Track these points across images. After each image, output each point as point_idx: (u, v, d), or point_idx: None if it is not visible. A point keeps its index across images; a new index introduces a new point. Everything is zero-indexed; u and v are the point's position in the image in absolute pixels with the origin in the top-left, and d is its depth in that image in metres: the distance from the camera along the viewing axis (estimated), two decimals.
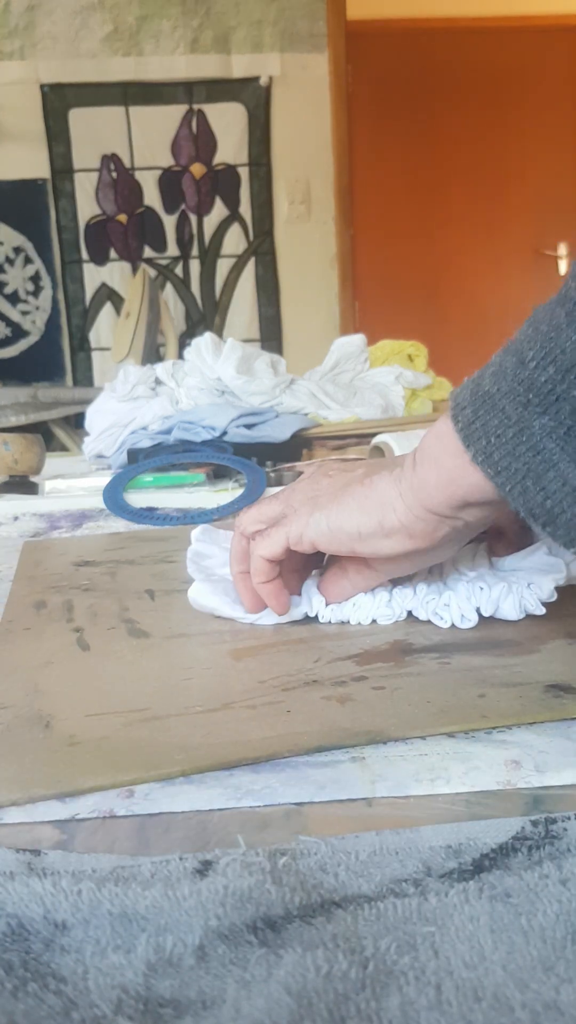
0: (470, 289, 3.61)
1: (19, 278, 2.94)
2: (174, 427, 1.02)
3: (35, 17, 2.78)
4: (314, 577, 0.50)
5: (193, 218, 2.95)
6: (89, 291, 2.97)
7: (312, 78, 2.87)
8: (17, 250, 2.92)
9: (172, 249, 2.97)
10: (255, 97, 2.88)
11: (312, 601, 0.49)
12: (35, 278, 2.94)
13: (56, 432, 2.52)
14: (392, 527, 0.43)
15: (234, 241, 2.97)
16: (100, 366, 2.99)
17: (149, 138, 2.89)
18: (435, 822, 0.30)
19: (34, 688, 0.42)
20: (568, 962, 0.23)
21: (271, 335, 3.02)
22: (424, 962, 0.24)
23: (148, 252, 2.97)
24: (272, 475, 0.92)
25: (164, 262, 2.98)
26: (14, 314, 2.96)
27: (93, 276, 2.96)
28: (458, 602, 0.47)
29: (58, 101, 2.85)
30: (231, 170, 2.93)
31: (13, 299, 2.95)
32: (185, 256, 2.98)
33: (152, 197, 2.94)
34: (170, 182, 2.93)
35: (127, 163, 2.91)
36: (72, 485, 0.94)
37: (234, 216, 2.96)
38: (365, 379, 1.15)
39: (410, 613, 0.49)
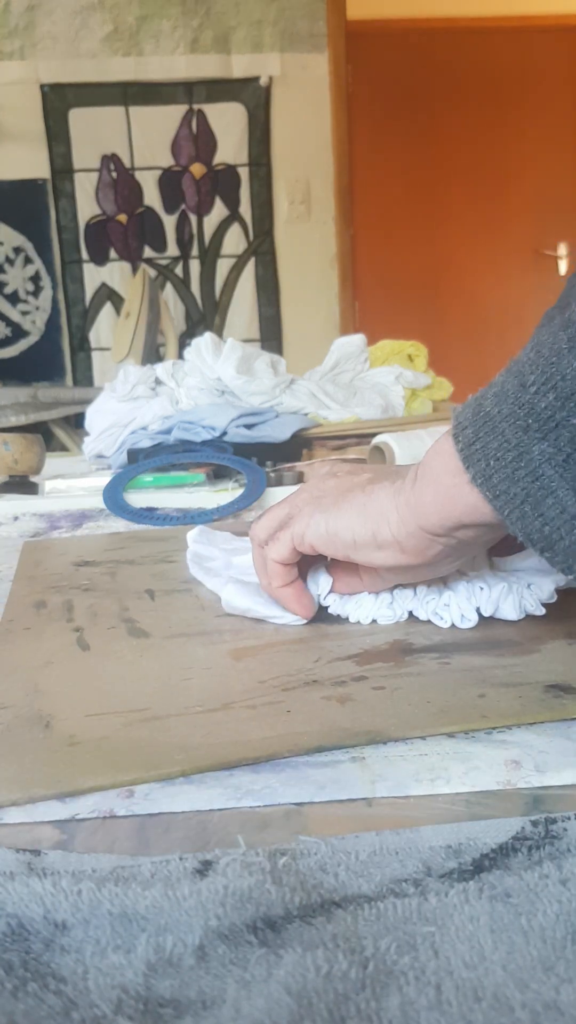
0: (470, 289, 3.61)
1: (19, 278, 2.94)
2: (174, 427, 1.02)
3: (35, 17, 2.78)
4: (319, 566, 0.50)
5: (193, 218, 2.95)
6: (89, 291, 2.97)
7: (312, 78, 2.87)
8: (17, 250, 2.92)
9: (172, 249, 2.97)
10: (255, 97, 2.88)
11: (319, 583, 0.49)
12: (35, 278, 2.94)
13: (56, 432, 2.52)
14: (385, 540, 0.43)
15: (234, 241, 2.97)
16: (100, 366, 2.99)
17: (149, 138, 2.89)
18: (435, 822, 0.30)
19: (34, 688, 0.42)
20: (568, 962, 0.23)
21: (271, 335, 3.02)
22: (424, 962, 0.24)
23: (148, 252, 2.97)
24: (272, 475, 0.92)
25: (164, 262, 2.98)
26: (14, 314, 2.95)
27: (93, 276, 2.96)
28: (458, 602, 0.47)
29: (58, 101, 2.85)
30: (231, 170, 2.93)
31: (13, 299, 2.95)
32: (185, 256, 2.98)
33: (152, 197, 2.94)
34: (170, 182, 2.93)
35: (127, 163, 2.91)
36: (72, 485, 0.94)
37: (234, 216, 2.96)
38: (365, 379, 1.15)
39: (410, 613, 0.49)
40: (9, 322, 2.95)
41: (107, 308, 2.97)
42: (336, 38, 2.86)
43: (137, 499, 0.88)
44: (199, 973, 0.23)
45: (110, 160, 2.90)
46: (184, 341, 1.96)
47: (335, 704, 0.39)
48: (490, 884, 0.27)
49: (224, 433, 1.00)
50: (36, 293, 2.95)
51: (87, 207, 2.92)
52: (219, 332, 2.91)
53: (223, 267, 2.99)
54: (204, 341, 1.10)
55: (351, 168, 3.03)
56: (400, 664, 0.43)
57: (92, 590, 0.58)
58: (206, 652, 0.46)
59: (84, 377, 3.01)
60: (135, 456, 1.00)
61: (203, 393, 1.07)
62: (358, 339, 1.19)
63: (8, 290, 2.94)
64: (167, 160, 2.91)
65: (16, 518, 0.86)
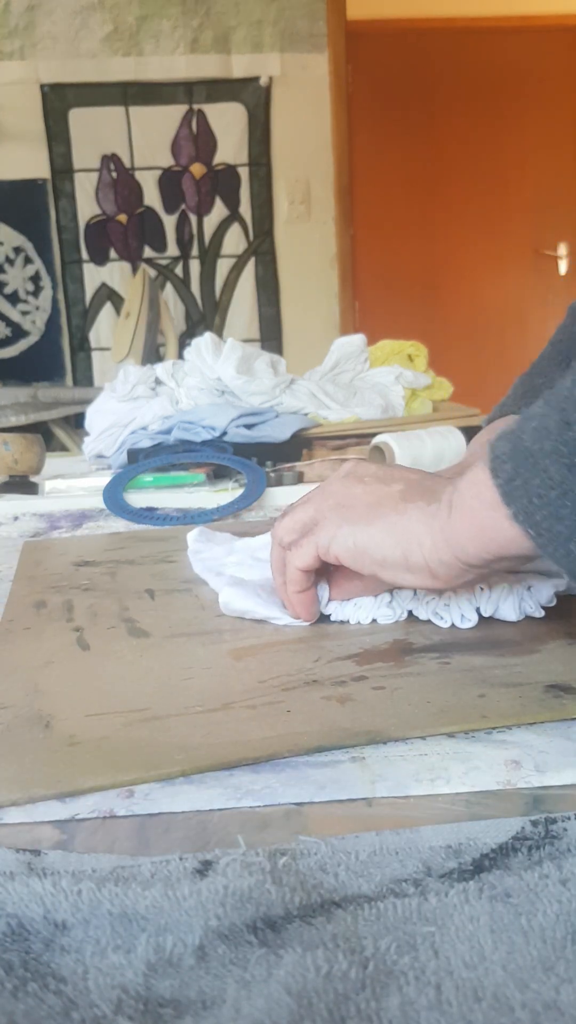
0: (470, 289, 3.61)
1: (19, 278, 2.93)
2: (174, 427, 1.02)
3: (35, 17, 2.78)
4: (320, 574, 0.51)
5: (193, 218, 2.95)
6: (89, 291, 2.96)
7: (312, 78, 2.87)
8: (17, 250, 2.92)
9: (172, 249, 2.97)
10: (255, 97, 2.88)
11: (321, 591, 0.49)
12: (35, 278, 2.94)
13: (56, 432, 2.52)
14: (416, 564, 0.42)
15: (234, 241, 2.97)
16: (100, 366, 2.99)
17: (149, 138, 2.89)
18: (435, 822, 0.30)
19: (34, 688, 0.42)
20: (568, 962, 0.23)
21: (271, 335, 3.02)
22: (424, 962, 0.24)
23: (148, 252, 2.97)
24: (272, 475, 0.92)
25: (164, 262, 2.97)
26: (14, 314, 2.95)
27: (93, 276, 2.96)
28: (458, 602, 0.47)
29: (58, 101, 2.85)
30: (231, 170, 2.93)
31: (13, 299, 2.95)
32: (185, 256, 2.98)
33: (152, 197, 2.94)
34: (170, 182, 2.93)
35: (127, 163, 2.91)
36: (72, 485, 0.94)
37: (234, 216, 2.96)
38: (365, 379, 1.15)
39: (410, 613, 0.49)
40: (9, 322, 2.95)
41: (107, 308, 2.97)
42: (336, 38, 2.86)
43: (137, 499, 0.88)
44: (199, 973, 0.23)
45: (110, 160, 2.90)
46: (184, 341, 1.96)
47: (335, 704, 0.39)
48: (490, 884, 0.26)
49: (224, 433, 1.00)
50: (36, 293, 2.95)
51: (87, 207, 2.92)
52: (219, 332, 2.91)
53: (223, 267, 2.99)
54: (204, 341, 1.10)
55: (351, 168, 3.03)
56: (400, 664, 0.43)
57: (92, 590, 0.58)
58: (206, 652, 0.46)
59: (84, 377, 3.01)
60: (135, 456, 1.00)
61: (203, 393, 1.07)
62: (358, 339, 1.19)
63: (8, 290, 2.94)
64: (167, 160, 2.91)
65: (16, 518, 0.86)
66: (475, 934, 0.25)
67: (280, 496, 0.88)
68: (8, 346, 2.97)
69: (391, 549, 0.43)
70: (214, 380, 1.07)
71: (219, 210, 2.95)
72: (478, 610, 0.47)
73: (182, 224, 2.95)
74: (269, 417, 1.03)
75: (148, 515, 0.83)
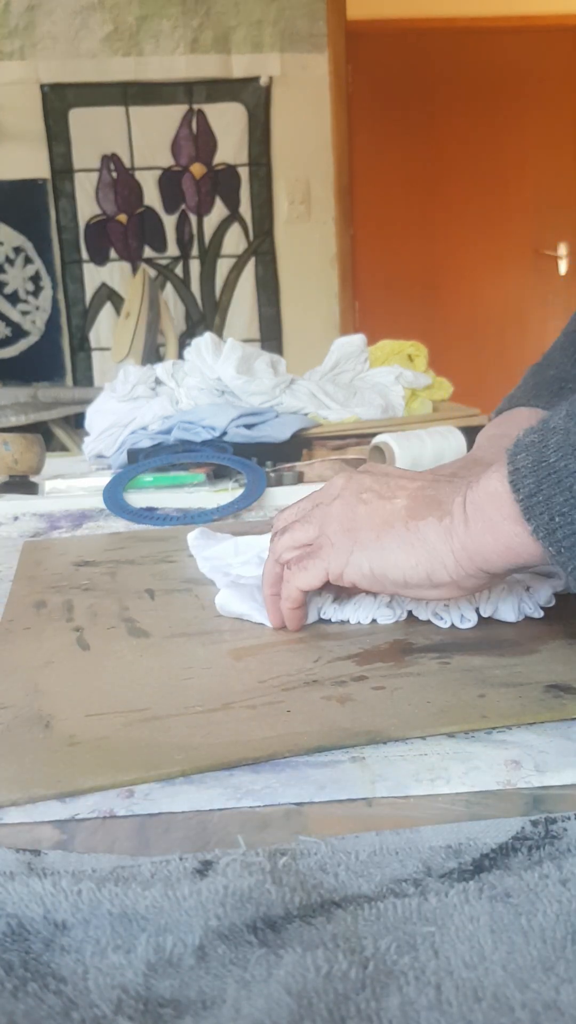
0: (470, 289, 3.61)
1: (19, 278, 2.93)
2: (174, 427, 1.02)
3: (35, 17, 2.78)
4: None
5: (193, 218, 2.95)
6: (89, 291, 2.96)
7: (312, 78, 2.87)
8: (17, 250, 2.92)
9: (172, 249, 2.97)
10: (255, 97, 2.88)
11: (320, 596, 0.49)
12: (35, 278, 2.94)
13: (56, 432, 2.52)
14: (441, 581, 0.42)
15: (234, 241, 2.97)
16: (100, 366, 2.99)
17: (149, 138, 2.89)
18: (435, 822, 0.30)
19: (34, 688, 0.42)
20: (568, 962, 0.23)
21: (271, 335, 3.02)
22: (424, 962, 0.24)
23: (148, 252, 2.96)
24: (272, 475, 0.92)
25: (164, 262, 2.97)
26: (14, 314, 2.95)
27: (93, 276, 2.96)
28: (457, 602, 0.47)
29: (58, 101, 2.85)
30: (231, 170, 2.93)
31: (13, 299, 2.95)
32: (185, 256, 2.98)
33: (152, 197, 2.94)
34: (170, 182, 2.93)
35: (127, 163, 2.91)
36: (72, 485, 0.94)
37: (234, 216, 2.96)
38: (365, 379, 1.15)
39: (410, 613, 0.49)
40: (9, 322, 2.95)
41: (107, 308, 2.97)
42: (336, 38, 2.86)
43: (137, 499, 0.88)
44: (199, 973, 0.23)
45: (110, 160, 2.90)
46: (184, 341, 1.96)
47: (335, 704, 0.39)
48: (490, 884, 0.26)
49: (224, 433, 1.00)
50: (36, 293, 2.95)
51: (87, 207, 2.92)
52: (219, 332, 2.91)
53: (223, 267, 2.99)
54: (204, 341, 1.10)
55: (351, 168, 3.03)
56: (400, 664, 0.43)
57: (92, 590, 0.58)
58: (206, 652, 0.46)
59: (84, 377, 3.01)
60: (135, 456, 1.00)
61: (203, 393, 1.07)
62: (358, 339, 1.19)
63: (8, 290, 2.94)
64: (167, 160, 2.91)
65: (16, 518, 0.86)
66: (475, 934, 0.25)
67: (280, 496, 0.88)
68: (8, 346, 2.97)
69: (412, 570, 0.42)
70: (214, 380, 1.07)
71: (219, 210, 2.95)
72: (477, 610, 0.47)
73: (182, 224, 2.95)
74: (269, 417, 1.03)
75: (148, 515, 0.83)
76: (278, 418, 1.03)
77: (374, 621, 0.49)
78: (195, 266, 2.98)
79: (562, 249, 3.62)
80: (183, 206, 2.95)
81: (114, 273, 2.96)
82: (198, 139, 2.90)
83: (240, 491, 0.87)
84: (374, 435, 0.98)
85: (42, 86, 2.83)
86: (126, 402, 1.10)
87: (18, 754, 0.35)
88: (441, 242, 3.58)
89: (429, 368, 1.18)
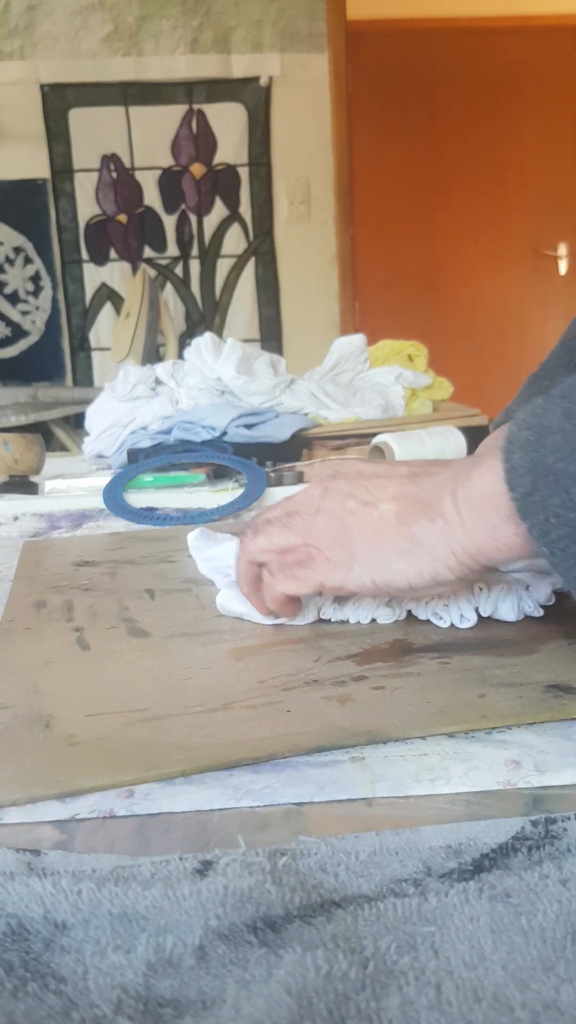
0: (470, 289, 3.61)
1: (19, 278, 2.93)
2: (174, 427, 1.02)
3: (35, 17, 2.78)
4: None
5: (193, 218, 2.95)
6: (89, 291, 2.96)
7: (312, 78, 2.87)
8: (17, 250, 2.92)
9: (172, 249, 2.97)
10: (255, 97, 2.88)
11: (315, 602, 0.49)
12: (35, 278, 2.94)
13: (56, 432, 2.52)
14: (447, 580, 0.42)
15: (234, 241, 2.97)
16: (100, 366, 2.99)
17: (149, 138, 2.89)
18: (435, 822, 0.30)
19: (34, 688, 0.42)
20: (568, 962, 0.23)
21: (271, 335, 3.02)
22: (424, 962, 0.24)
23: (148, 252, 2.96)
24: (272, 475, 0.92)
25: (164, 262, 2.97)
26: (14, 314, 2.95)
27: (93, 276, 2.96)
28: (457, 602, 0.47)
29: (58, 101, 2.85)
30: (231, 170, 2.93)
31: (13, 299, 2.95)
32: (185, 256, 2.98)
33: (152, 197, 2.94)
34: (170, 182, 2.93)
35: (127, 163, 2.91)
36: (72, 485, 0.94)
37: (234, 216, 2.96)
38: (365, 379, 1.15)
39: (409, 612, 0.49)
40: (9, 322, 2.95)
41: (107, 308, 2.97)
42: (336, 38, 2.86)
43: (137, 499, 0.88)
44: (199, 973, 0.23)
45: (110, 160, 2.90)
46: (184, 341, 1.96)
47: (335, 704, 0.39)
48: (490, 884, 0.26)
49: (224, 433, 1.00)
50: (36, 293, 2.95)
51: (87, 207, 2.92)
52: (219, 332, 2.91)
53: (223, 267, 2.99)
54: (204, 341, 1.10)
55: (351, 168, 3.03)
56: (400, 664, 0.43)
57: (92, 590, 0.58)
58: (206, 652, 0.46)
59: (84, 377, 3.01)
60: (135, 456, 1.00)
61: (203, 393, 1.07)
62: (358, 339, 1.19)
63: (8, 290, 2.94)
64: (167, 160, 2.91)
65: (16, 518, 0.86)
66: (475, 934, 0.25)
67: (280, 496, 0.88)
68: (8, 346, 2.97)
69: (417, 576, 0.42)
70: (214, 380, 1.07)
71: (219, 210, 2.95)
72: (477, 610, 0.47)
73: (182, 224, 2.95)
74: (269, 417, 1.03)
75: (148, 515, 0.83)
76: (278, 418, 1.03)
77: (373, 621, 0.49)
78: (195, 266, 2.98)
79: (562, 249, 3.62)
80: (183, 206, 2.95)
81: (114, 273, 2.96)
82: (198, 139, 2.90)
83: (240, 491, 0.87)
84: (374, 435, 0.98)
85: (42, 86, 2.83)
86: (126, 402, 1.10)
87: (18, 754, 0.35)
88: (441, 242, 3.58)
89: (429, 368, 1.18)
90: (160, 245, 2.96)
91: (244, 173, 2.93)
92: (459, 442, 0.94)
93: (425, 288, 3.57)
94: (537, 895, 0.26)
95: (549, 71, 3.50)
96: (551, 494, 0.36)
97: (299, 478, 0.93)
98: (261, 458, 0.96)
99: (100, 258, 2.95)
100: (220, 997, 0.23)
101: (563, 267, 3.62)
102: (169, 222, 2.95)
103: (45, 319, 2.96)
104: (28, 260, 2.93)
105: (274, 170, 2.94)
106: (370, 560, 0.43)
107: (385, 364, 1.17)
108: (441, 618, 0.48)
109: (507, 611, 0.47)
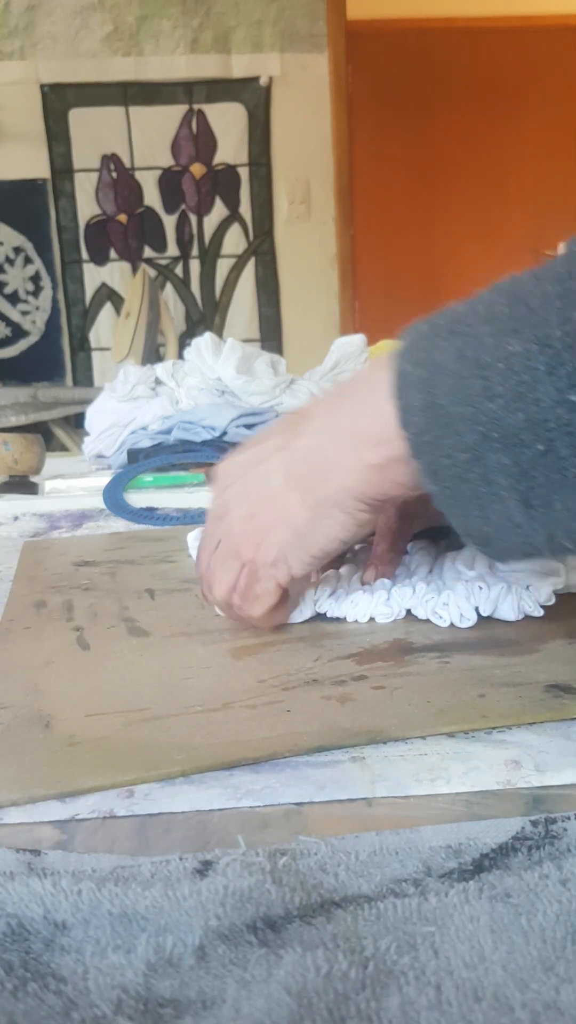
0: (470, 289, 3.59)
1: (19, 278, 2.94)
2: (174, 427, 1.02)
3: (35, 17, 2.78)
4: (312, 583, 0.50)
5: (193, 218, 2.95)
6: (89, 291, 2.97)
7: (312, 78, 2.87)
8: (17, 250, 2.92)
9: (172, 249, 2.97)
10: (255, 97, 2.88)
11: (315, 591, 0.49)
12: (35, 278, 2.94)
13: (56, 432, 2.52)
14: (369, 520, 0.43)
15: (234, 241, 2.97)
16: (100, 366, 2.99)
17: (149, 138, 2.89)
18: (435, 822, 0.30)
19: (34, 688, 0.42)
20: (568, 962, 0.23)
21: (271, 335, 3.02)
22: (424, 962, 0.24)
23: (148, 252, 2.97)
24: None
25: (164, 262, 2.97)
26: (14, 314, 2.95)
27: (93, 276, 2.96)
28: (457, 601, 0.47)
29: (58, 101, 2.85)
30: (231, 170, 2.93)
31: (13, 299, 2.95)
32: (185, 256, 2.98)
33: (152, 197, 2.94)
34: (170, 182, 2.93)
35: (127, 163, 2.91)
36: (72, 485, 0.94)
37: (234, 216, 2.96)
38: None
39: (409, 612, 0.49)
40: (9, 322, 2.95)
41: (107, 308, 2.97)
42: (336, 38, 2.86)
43: (137, 499, 0.88)
44: (199, 973, 0.23)
45: (110, 160, 2.90)
46: (184, 341, 1.96)
47: (335, 704, 0.39)
48: (490, 884, 0.26)
49: (224, 433, 1.00)
50: (36, 293, 2.95)
51: (87, 207, 2.92)
52: (219, 332, 2.91)
53: (223, 267, 2.99)
54: (204, 341, 1.10)
55: (351, 168, 3.03)
56: (400, 663, 0.43)
57: (92, 590, 0.58)
58: (206, 651, 0.46)
59: (84, 377, 3.01)
60: (135, 456, 1.00)
61: (203, 393, 1.07)
62: (358, 339, 1.19)
63: (8, 290, 2.94)
64: (167, 160, 2.91)
65: (16, 518, 0.86)
66: (475, 934, 0.25)
67: None
68: (8, 346, 2.97)
69: (341, 531, 0.43)
70: (214, 380, 1.07)
71: (219, 210, 2.95)
72: (477, 609, 0.47)
73: (182, 224, 2.95)
74: (269, 417, 1.03)
75: (148, 515, 0.83)
76: (278, 418, 1.03)
77: (372, 619, 0.49)
78: (195, 266, 2.98)
79: (562, 249, 3.62)
80: (183, 206, 2.95)
81: (114, 273, 2.96)
82: (198, 139, 2.90)
83: None
84: None
85: (42, 86, 2.83)
86: (126, 402, 1.10)
87: (18, 754, 0.35)
88: (441, 242, 3.58)
89: None
90: (160, 245, 2.96)
91: (244, 173, 2.93)
92: None
93: (425, 288, 3.56)
94: (537, 895, 0.26)
95: (549, 71, 3.50)
96: (443, 435, 0.36)
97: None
98: None
99: (100, 258, 2.95)
100: (220, 997, 0.23)
101: None
102: (169, 222, 2.95)
103: (45, 319, 2.96)
104: (28, 260, 2.93)
105: (274, 170, 2.94)
106: (296, 543, 0.44)
107: None
108: (441, 617, 0.47)
109: (507, 610, 0.47)
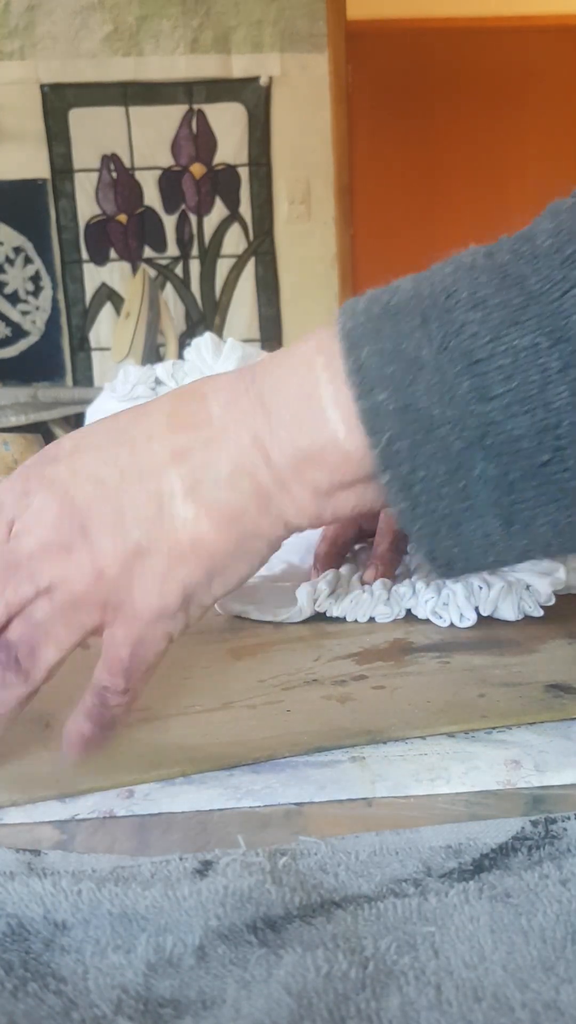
0: None
1: (19, 278, 2.93)
2: None
3: (35, 17, 2.78)
4: (307, 582, 0.50)
5: (193, 218, 2.95)
6: (89, 291, 2.96)
7: (312, 78, 2.87)
8: (17, 250, 2.92)
9: (172, 249, 2.97)
10: (255, 97, 2.88)
11: (314, 589, 0.49)
12: (35, 278, 2.94)
13: (56, 432, 2.52)
14: (281, 538, 0.34)
15: (234, 241, 2.97)
16: (100, 366, 2.99)
17: (149, 138, 2.89)
18: (435, 822, 0.30)
19: None
20: (568, 962, 0.23)
21: (271, 335, 3.02)
22: (424, 962, 0.24)
23: (148, 252, 2.96)
24: None
25: (164, 262, 2.97)
26: (14, 314, 2.95)
27: (93, 276, 2.96)
28: (457, 601, 0.47)
29: (58, 101, 2.85)
30: (231, 170, 2.93)
31: (13, 299, 2.94)
32: (185, 256, 2.98)
33: (152, 197, 2.94)
34: (170, 182, 2.93)
35: (127, 163, 2.91)
36: None
37: (234, 216, 2.96)
38: None
39: (409, 611, 0.49)
40: (9, 322, 2.95)
41: (107, 308, 2.97)
42: (336, 38, 2.86)
43: None
44: (199, 973, 0.23)
45: (110, 160, 2.90)
46: (184, 341, 1.96)
47: (335, 703, 0.39)
48: (490, 884, 0.26)
49: None
50: (36, 293, 2.95)
51: (87, 207, 2.92)
52: (219, 332, 2.90)
53: (223, 267, 2.99)
54: (204, 341, 1.10)
55: (351, 168, 3.03)
56: (400, 663, 0.43)
57: None
58: (206, 651, 0.46)
59: (84, 377, 3.01)
60: None
61: None
62: None
63: (8, 290, 2.94)
64: (167, 160, 2.91)
65: None
66: (475, 934, 0.24)
67: None
68: (8, 346, 2.97)
69: (256, 568, 0.34)
70: None
71: (219, 210, 2.95)
72: (477, 609, 0.47)
73: (182, 224, 2.95)
74: None
75: None
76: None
77: (371, 619, 0.49)
78: (195, 266, 2.98)
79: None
80: (183, 206, 2.95)
81: (114, 273, 2.96)
82: (198, 139, 2.90)
83: None
84: None
85: (42, 86, 2.83)
86: (126, 402, 1.10)
87: (18, 754, 0.35)
88: (441, 242, 3.57)
89: None
90: (160, 245, 2.96)
91: (244, 173, 2.93)
92: None
93: None
94: (537, 895, 0.26)
95: (549, 71, 3.50)
96: (422, 443, 0.29)
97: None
98: None
99: (100, 258, 2.95)
100: (220, 997, 0.23)
101: None
102: (169, 222, 2.95)
103: (45, 319, 2.96)
104: (28, 260, 2.93)
105: (274, 170, 2.94)
106: (206, 583, 0.33)
107: None
108: (441, 617, 0.48)
109: (507, 610, 0.47)
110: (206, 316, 3.01)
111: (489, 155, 3.56)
